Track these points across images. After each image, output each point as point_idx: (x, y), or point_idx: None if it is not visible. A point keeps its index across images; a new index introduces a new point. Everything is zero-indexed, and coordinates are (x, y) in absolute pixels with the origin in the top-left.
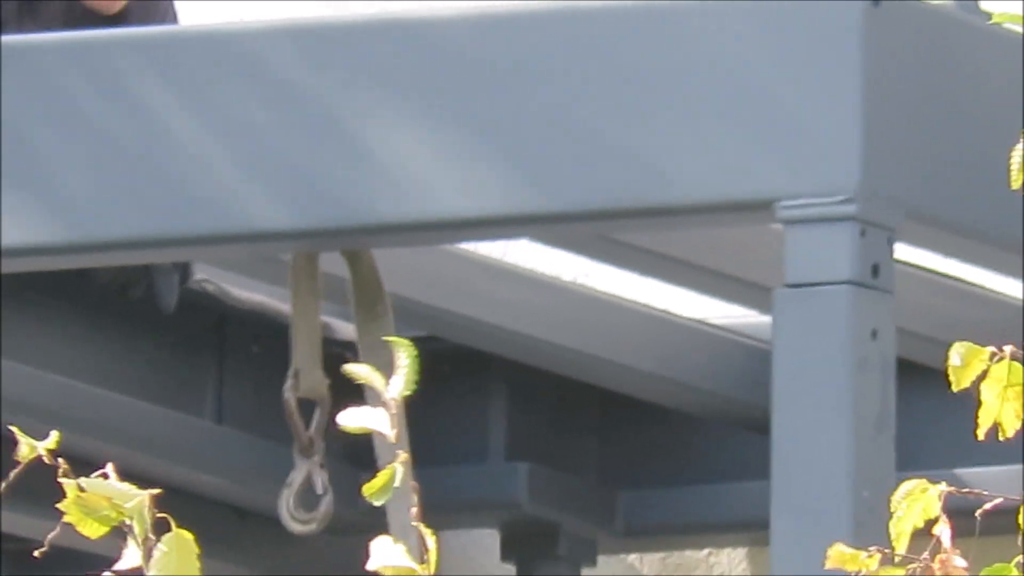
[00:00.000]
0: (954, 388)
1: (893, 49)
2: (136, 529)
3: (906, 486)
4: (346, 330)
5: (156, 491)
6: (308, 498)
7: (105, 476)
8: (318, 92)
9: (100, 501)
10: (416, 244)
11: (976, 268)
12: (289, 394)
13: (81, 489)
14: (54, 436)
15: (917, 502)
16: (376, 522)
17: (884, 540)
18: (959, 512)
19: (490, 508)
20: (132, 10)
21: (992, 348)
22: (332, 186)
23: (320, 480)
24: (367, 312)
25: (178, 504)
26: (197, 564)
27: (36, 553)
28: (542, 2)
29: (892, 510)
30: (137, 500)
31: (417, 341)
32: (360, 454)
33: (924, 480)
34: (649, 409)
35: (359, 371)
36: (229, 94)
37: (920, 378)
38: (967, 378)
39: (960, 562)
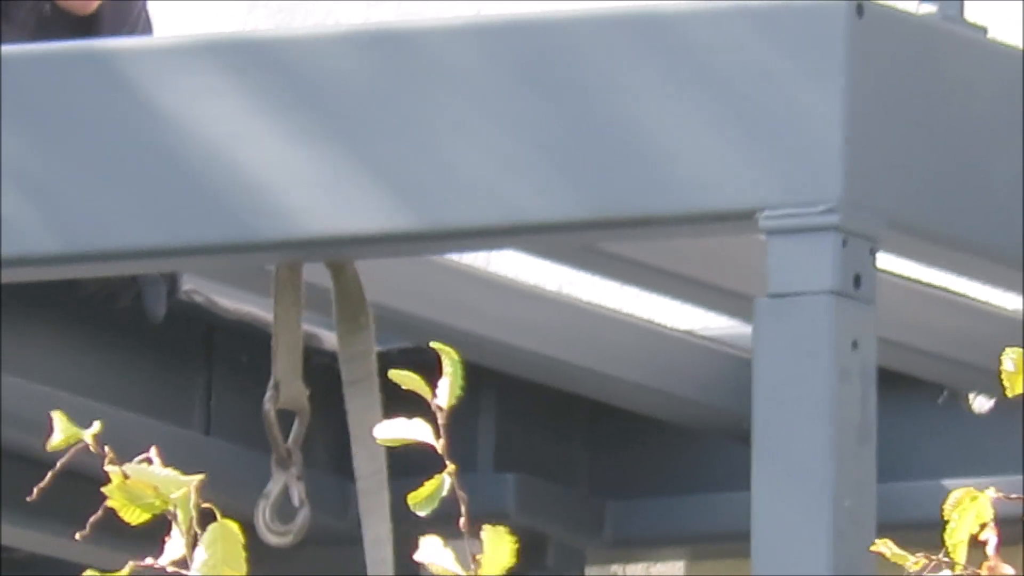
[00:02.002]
0: (1008, 394)
1: (877, 59)
2: (180, 517)
3: (954, 495)
4: (332, 340)
5: (201, 477)
6: (285, 510)
7: (149, 461)
8: (299, 103)
9: (144, 488)
10: (400, 255)
11: (961, 278)
12: (269, 405)
13: (125, 476)
14: (97, 424)
15: (968, 510)
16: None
17: (866, 551)
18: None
19: (478, 518)
20: (104, 10)
21: None
22: (315, 196)
23: (297, 492)
24: (350, 323)
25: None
26: (243, 555)
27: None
28: (514, 13)
29: (945, 519)
30: (183, 488)
31: (404, 352)
32: (347, 465)
33: (971, 488)
34: (638, 420)
35: (403, 377)
36: (211, 105)
37: (905, 389)
38: (1020, 384)
39: (1008, 569)
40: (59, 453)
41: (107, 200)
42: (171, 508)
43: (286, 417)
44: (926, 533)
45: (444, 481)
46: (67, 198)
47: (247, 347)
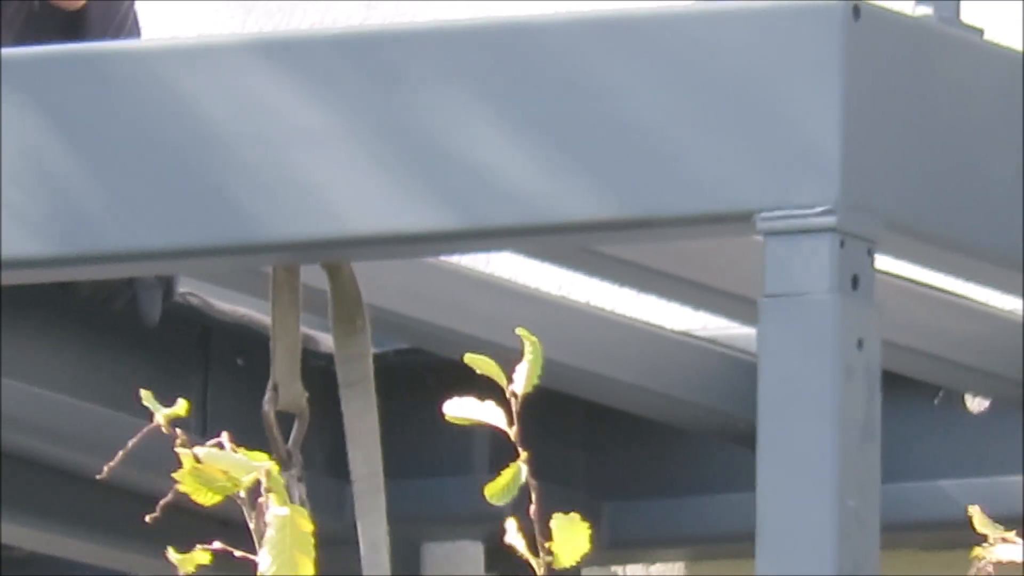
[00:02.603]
0: None
1: (873, 61)
2: (275, 491)
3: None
4: (329, 342)
5: (272, 463)
6: None
7: (220, 446)
8: (296, 104)
9: (215, 472)
10: (397, 257)
11: (958, 280)
12: (268, 407)
13: (197, 459)
14: (182, 404)
15: None
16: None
17: (870, 549)
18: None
19: (474, 520)
20: (92, 9)
21: None
22: (312, 198)
23: (297, 493)
24: (346, 325)
25: (164, 513)
26: (311, 541)
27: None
28: (512, 14)
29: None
30: (253, 472)
31: (401, 353)
32: (343, 467)
33: None
34: (635, 421)
35: (479, 361)
36: (207, 107)
37: (901, 390)
38: None
39: None
40: (57, 454)
41: (103, 202)
42: (241, 492)
43: (285, 418)
44: (922, 534)
45: (520, 470)
46: (63, 200)
47: (243, 349)
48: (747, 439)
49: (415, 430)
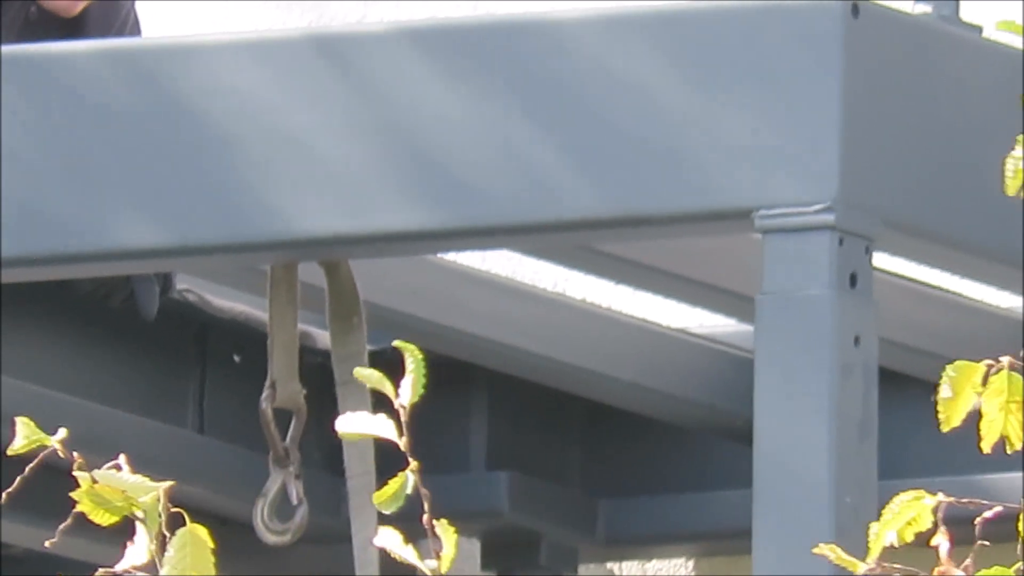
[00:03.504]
0: (943, 428)
1: (872, 59)
2: (148, 522)
3: (902, 496)
4: (326, 339)
5: (170, 483)
6: (283, 508)
7: (118, 468)
8: (295, 103)
9: (113, 492)
10: (395, 255)
11: (956, 277)
12: (265, 404)
13: (94, 480)
14: (63, 432)
15: (905, 511)
16: None
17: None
18: (956, 521)
19: (471, 517)
20: (91, 12)
21: (988, 361)
22: (310, 196)
23: (295, 491)
24: (343, 323)
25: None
26: (212, 560)
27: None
28: (512, 12)
29: (879, 518)
30: (151, 493)
31: (399, 351)
32: (340, 464)
33: (920, 490)
34: (632, 418)
35: (368, 375)
36: (206, 106)
37: (900, 387)
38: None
39: (959, 573)
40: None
41: (102, 201)
42: (138, 512)
43: (283, 416)
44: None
45: (408, 479)
46: (62, 199)
47: (241, 346)
48: (745, 436)
49: (413, 428)
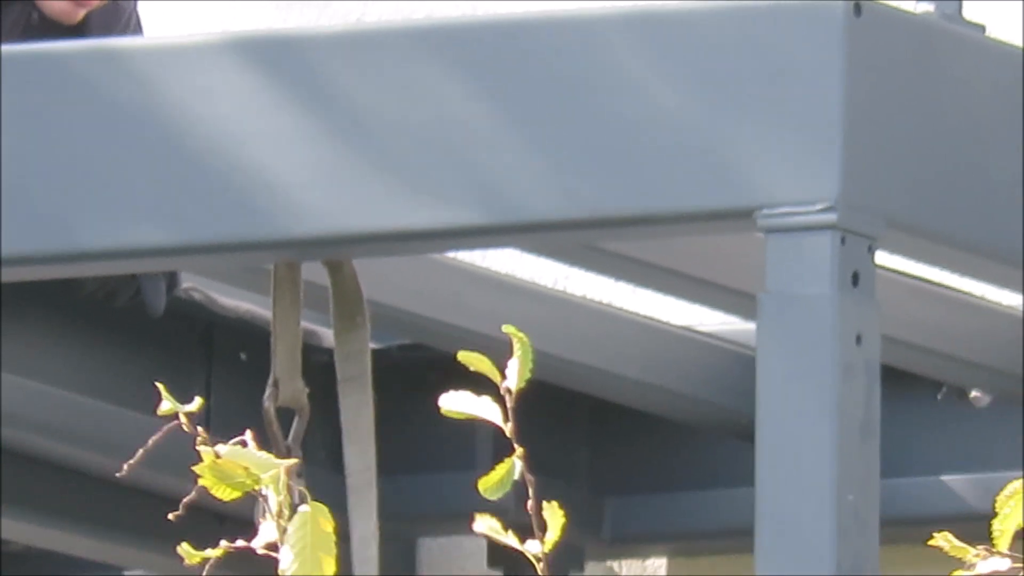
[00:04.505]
0: None
1: (875, 58)
2: (272, 498)
3: (1012, 486)
4: (331, 337)
5: (294, 461)
6: None
7: (244, 444)
8: (297, 101)
9: (236, 468)
10: (398, 253)
11: (961, 276)
12: (268, 403)
13: (217, 455)
14: (198, 400)
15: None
16: None
17: (869, 546)
18: (963, 519)
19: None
20: (93, 16)
21: None
22: (313, 195)
23: (297, 489)
24: (346, 322)
25: (163, 509)
26: (333, 538)
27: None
28: (513, 11)
29: (997, 509)
30: (274, 469)
31: (403, 350)
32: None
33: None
34: (638, 416)
35: (471, 358)
36: (209, 104)
37: (904, 385)
38: None
39: None
40: (58, 452)
41: (105, 199)
42: (262, 489)
43: (286, 414)
44: (925, 529)
45: (515, 465)
46: (65, 197)
47: (246, 345)
48: (750, 435)
49: (418, 425)
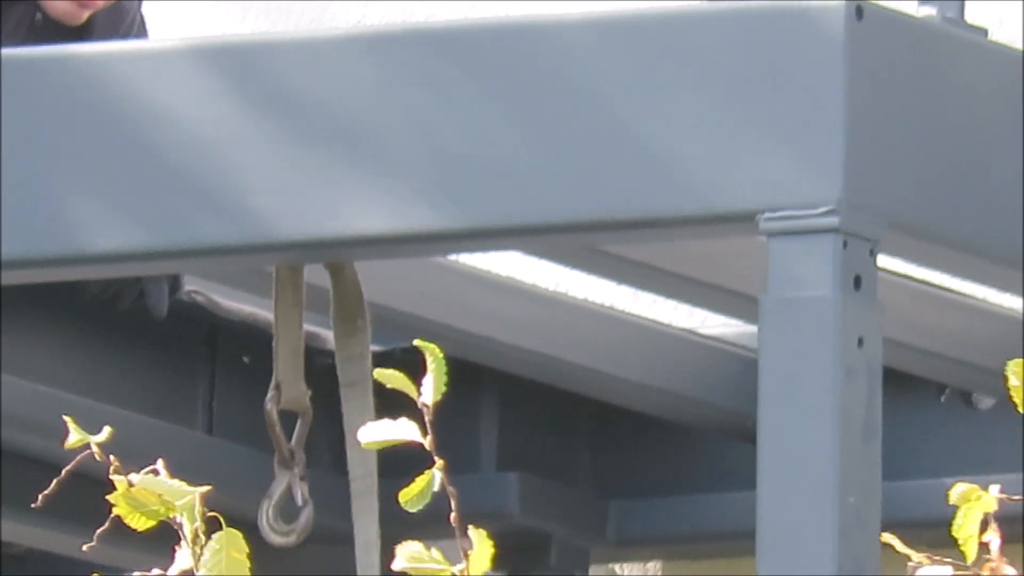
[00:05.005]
0: (1020, 409)
1: (876, 61)
2: (186, 525)
3: (958, 489)
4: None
5: (206, 488)
6: (289, 510)
7: (156, 472)
8: (299, 105)
9: (150, 496)
10: (399, 256)
11: (963, 279)
12: (270, 406)
13: (131, 484)
14: (107, 430)
15: (974, 507)
16: None
17: (870, 548)
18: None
19: (481, 518)
20: (97, 17)
21: None
22: (315, 198)
23: (300, 492)
24: (347, 325)
25: None
26: (247, 563)
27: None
28: (515, 15)
29: (952, 515)
30: (188, 497)
31: (407, 352)
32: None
33: (975, 486)
34: (641, 419)
35: (389, 375)
36: (211, 107)
37: (907, 388)
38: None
39: (1010, 570)
40: (62, 453)
41: (107, 202)
42: (176, 516)
43: (288, 417)
44: (928, 531)
45: (434, 477)
46: (68, 200)
47: (249, 347)
48: (754, 437)
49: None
